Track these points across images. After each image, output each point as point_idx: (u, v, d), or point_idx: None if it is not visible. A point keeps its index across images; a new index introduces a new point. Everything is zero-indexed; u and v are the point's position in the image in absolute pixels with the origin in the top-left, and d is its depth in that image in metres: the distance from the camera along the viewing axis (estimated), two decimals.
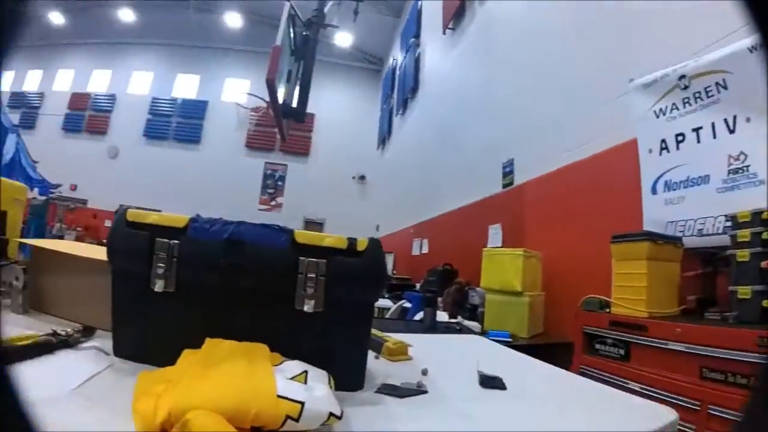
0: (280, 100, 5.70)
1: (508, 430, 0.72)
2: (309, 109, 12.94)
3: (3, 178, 1.43)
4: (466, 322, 2.32)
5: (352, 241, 0.79)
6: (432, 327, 1.80)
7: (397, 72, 11.97)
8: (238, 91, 14.94)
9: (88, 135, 16.92)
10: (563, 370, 1.26)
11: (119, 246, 0.82)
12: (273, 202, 15.02)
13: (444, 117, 7.78)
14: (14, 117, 17.35)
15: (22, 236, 1.42)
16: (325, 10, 6.55)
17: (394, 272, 8.79)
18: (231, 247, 0.76)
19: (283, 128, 6.60)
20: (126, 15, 16.25)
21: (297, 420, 0.53)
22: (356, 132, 15.02)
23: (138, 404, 0.54)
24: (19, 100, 18.23)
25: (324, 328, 0.79)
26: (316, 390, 0.60)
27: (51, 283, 1.11)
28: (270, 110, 6.78)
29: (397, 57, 12.46)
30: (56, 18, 16.98)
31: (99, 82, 17.45)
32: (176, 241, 0.78)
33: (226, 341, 0.73)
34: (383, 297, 6.08)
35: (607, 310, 2.17)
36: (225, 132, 15.44)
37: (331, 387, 0.65)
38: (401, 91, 11.17)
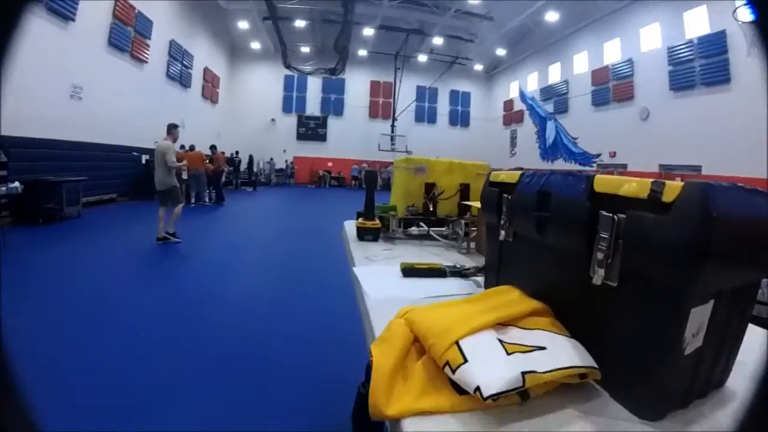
0: None
1: None
2: None
3: (467, 161, 1.88)
4: None
5: (655, 188, 0.53)
6: None
7: None
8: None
9: (616, 104, 17.67)
10: None
11: (484, 202, 1.00)
12: None
13: None
14: (548, 107, 20.75)
15: None
16: None
17: None
18: (541, 199, 0.74)
19: None
20: None
21: (453, 371, 0.54)
22: None
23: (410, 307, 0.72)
24: (549, 92, 21.90)
25: (615, 312, 0.58)
26: (510, 367, 0.53)
27: (480, 232, 1.50)
28: None
29: None
30: (551, 17, 19.09)
31: (611, 52, 17.97)
32: (509, 196, 0.86)
33: (514, 291, 0.76)
34: None
35: None
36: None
37: (550, 376, 0.54)
38: None
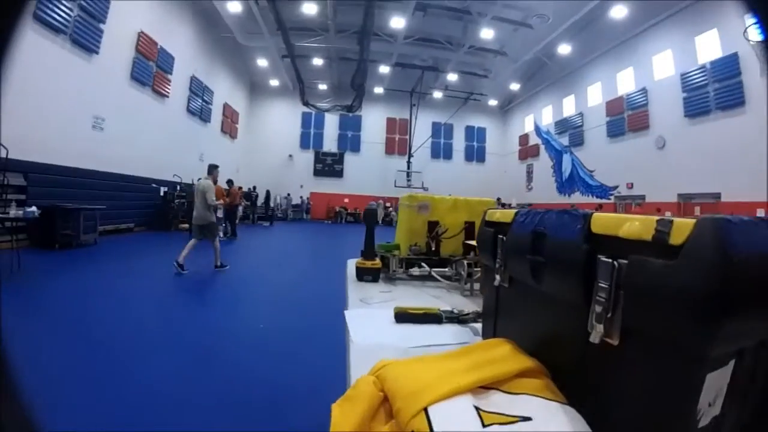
0: None
1: None
2: None
3: (473, 198, 1.79)
4: None
5: (661, 228, 0.44)
6: None
7: None
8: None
9: (632, 134, 17.50)
10: None
11: (480, 243, 0.90)
12: None
13: None
14: (563, 140, 20.71)
15: None
16: None
17: None
18: (535, 241, 0.65)
19: None
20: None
21: None
22: None
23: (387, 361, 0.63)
24: (563, 125, 21.89)
25: (616, 375, 0.49)
26: None
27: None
28: None
29: None
30: (564, 49, 19.33)
31: (625, 82, 17.96)
32: (504, 237, 0.77)
33: (505, 345, 0.67)
34: None
35: None
36: None
37: None
38: None
